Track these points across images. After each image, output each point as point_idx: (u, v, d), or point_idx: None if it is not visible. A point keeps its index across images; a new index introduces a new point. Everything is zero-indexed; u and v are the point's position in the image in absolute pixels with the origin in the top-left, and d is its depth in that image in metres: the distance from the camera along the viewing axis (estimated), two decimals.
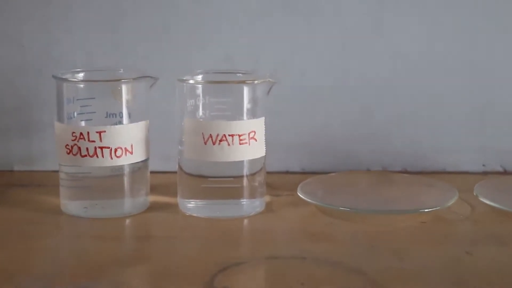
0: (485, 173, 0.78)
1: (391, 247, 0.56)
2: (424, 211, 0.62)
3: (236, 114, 0.64)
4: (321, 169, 0.77)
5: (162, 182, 0.70)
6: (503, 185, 0.69)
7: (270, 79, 0.64)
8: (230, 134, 0.62)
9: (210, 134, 0.62)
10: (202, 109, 0.64)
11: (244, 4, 0.77)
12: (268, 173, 0.68)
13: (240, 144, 0.62)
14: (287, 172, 0.79)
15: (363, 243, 0.57)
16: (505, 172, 0.78)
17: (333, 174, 0.74)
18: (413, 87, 0.78)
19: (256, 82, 0.64)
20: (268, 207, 0.66)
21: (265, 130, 0.65)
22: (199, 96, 0.64)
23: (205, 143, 0.62)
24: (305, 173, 0.77)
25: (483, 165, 0.79)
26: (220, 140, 0.62)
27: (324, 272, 0.52)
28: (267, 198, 0.67)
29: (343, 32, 0.77)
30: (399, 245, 0.57)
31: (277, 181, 0.73)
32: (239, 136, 0.62)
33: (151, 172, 0.67)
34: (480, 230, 0.61)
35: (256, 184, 0.65)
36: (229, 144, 0.62)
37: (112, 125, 0.62)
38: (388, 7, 0.76)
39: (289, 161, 0.79)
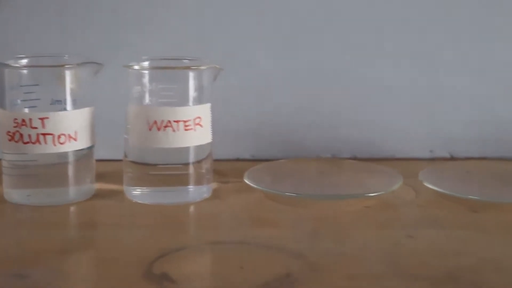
0: (432, 159, 0.79)
1: (334, 231, 0.57)
2: (369, 196, 0.63)
3: (183, 100, 0.64)
4: (271, 156, 0.77)
5: (110, 170, 0.70)
6: (448, 171, 0.71)
7: (216, 66, 0.64)
8: (175, 120, 0.62)
9: (155, 120, 0.62)
10: (149, 96, 0.64)
11: None
12: (218, 160, 0.68)
13: (185, 130, 0.62)
14: (237, 160, 0.79)
15: (307, 228, 0.58)
16: (452, 158, 0.79)
17: (281, 160, 0.74)
18: (362, 75, 0.78)
19: (202, 68, 0.63)
20: (215, 194, 0.66)
21: (215, 117, 0.65)
22: (146, 82, 0.64)
23: (150, 129, 0.62)
24: (255, 160, 0.77)
25: (431, 152, 0.80)
26: (165, 126, 0.62)
27: (265, 256, 0.52)
28: (214, 184, 0.67)
29: (293, 21, 0.77)
30: (341, 230, 0.57)
31: (226, 168, 0.74)
32: (184, 122, 0.62)
33: (100, 160, 0.67)
34: (422, 214, 0.62)
35: (203, 170, 0.65)
36: (174, 130, 0.62)
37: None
38: None
39: (239, 149, 0.79)
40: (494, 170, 0.72)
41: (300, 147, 0.79)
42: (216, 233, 0.57)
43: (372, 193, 0.63)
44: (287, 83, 0.78)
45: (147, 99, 0.63)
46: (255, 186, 0.65)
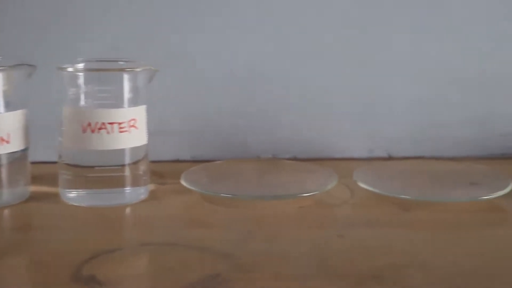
0: (370, 159, 0.80)
1: (266, 232, 0.57)
2: (303, 196, 0.64)
3: (120, 102, 0.63)
4: (211, 158, 0.77)
5: (45, 172, 0.69)
6: (383, 170, 0.71)
7: (152, 67, 0.64)
8: (110, 122, 0.62)
9: (89, 122, 0.61)
10: (85, 98, 0.63)
11: None
12: (157, 161, 0.68)
13: (120, 132, 0.62)
14: (177, 161, 0.79)
15: (239, 229, 0.58)
16: (389, 158, 0.81)
17: (219, 162, 0.74)
18: (302, 76, 0.79)
19: (136, 70, 0.63)
20: (152, 195, 0.66)
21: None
22: (81, 84, 0.63)
23: (84, 132, 0.61)
24: (195, 162, 0.77)
25: (370, 151, 0.81)
26: (99, 128, 0.62)
27: (194, 257, 0.52)
28: (152, 186, 0.67)
29: (231, 22, 0.77)
30: (274, 230, 0.58)
31: (165, 169, 0.74)
32: (119, 124, 0.62)
33: (35, 162, 0.66)
34: (355, 214, 0.63)
35: (140, 172, 0.65)
36: (108, 132, 0.62)
37: None
38: None
39: (179, 150, 0.79)
40: (429, 169, 0.73)
41: (241, 148, 0.79)
42: (149, 234, 0.57)
43: (307, 193, 0.64)
44: (226, 84, 0.79)
45: (82, 101, 0.63)
46: (191, 187, 0.65)
